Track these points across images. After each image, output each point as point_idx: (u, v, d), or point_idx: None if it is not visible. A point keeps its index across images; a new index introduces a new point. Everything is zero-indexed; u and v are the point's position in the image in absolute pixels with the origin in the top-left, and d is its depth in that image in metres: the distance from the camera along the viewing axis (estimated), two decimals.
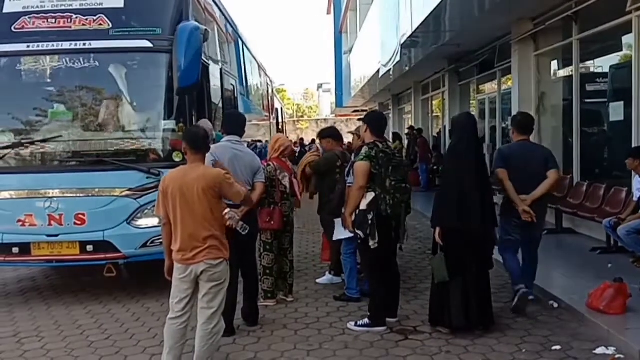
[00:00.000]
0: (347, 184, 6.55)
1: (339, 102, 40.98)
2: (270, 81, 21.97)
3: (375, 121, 6.47)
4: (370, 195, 6.04)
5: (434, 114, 24.03)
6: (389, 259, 6.43)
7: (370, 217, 5.99)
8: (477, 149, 6.09)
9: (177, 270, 4.98)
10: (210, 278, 4.94)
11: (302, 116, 78.98)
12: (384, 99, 32.97)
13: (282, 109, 32.15)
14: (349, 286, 7.39)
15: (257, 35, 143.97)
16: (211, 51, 9.23)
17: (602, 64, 11.28)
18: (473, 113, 17.71)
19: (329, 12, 44.94)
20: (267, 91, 19.80)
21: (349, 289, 7.38)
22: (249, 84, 14.37)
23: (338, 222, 7.16)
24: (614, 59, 10.47)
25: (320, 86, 77.54)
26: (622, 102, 9.39)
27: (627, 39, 9.06)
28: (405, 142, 21.65)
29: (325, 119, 61.42)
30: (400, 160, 6.55)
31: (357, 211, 6.09)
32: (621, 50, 9.50)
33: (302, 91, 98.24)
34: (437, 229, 6.04)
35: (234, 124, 6.63)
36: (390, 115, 32.17)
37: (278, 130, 25.41)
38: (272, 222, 6.90)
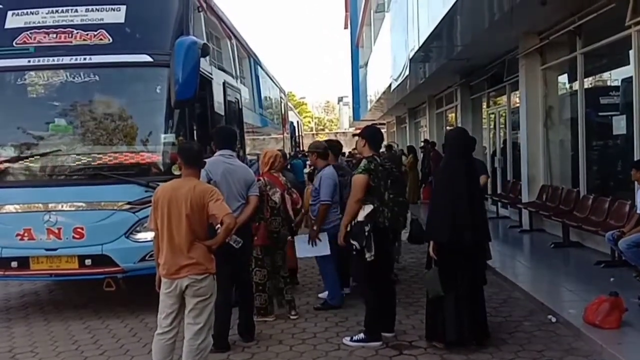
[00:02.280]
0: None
1: (356, 116, 40.93)
2: (284, 95, 22.00)
3: (372, 136, 6.47)
4: (369, 208, 6.02)
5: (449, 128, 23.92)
6: (385, 273, 6.40)
7: (367, 228, 5.97)
8: (469, 164, 6.05)
9: (163, 285, 4.96)
10: (195, 293, 4.92)
11: (322, 129, 79.29)
12: (401, 112, 32.95)
13: (298, 122, 32.18)
14: (330, 294, 7.58)
15: (280, 48, 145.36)
16: (214, 65, 9.25)
17: (607, 78, 11.20)
18: (485, 127, 17.70)
19: (345, 27, 45.10)
20: (280, 105, 19.83)
21: (331, 298, 7.57)
22: (259, 97, 14.40)
23: (298, 239, 7.43)
24: (617, 72, 10.36)
25: (340, 99, 77.78)
26: (624, 116, 9.32)
27: (629, 53, 8.98)
28: (421, 156, 21.60)
29: (344, 132, 61.52)
30: (398, 175, 6.59)
31: (354, 222, 6.07)
32: (624, 64, 9.41)
33: (323, 104, 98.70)
34: (431, 243, 5.99)
35: (225, 138, 6.62)
36: (407, 129, 32.17)
37: (294, 144, 25.46)
38: (256, 238, 6.81)
